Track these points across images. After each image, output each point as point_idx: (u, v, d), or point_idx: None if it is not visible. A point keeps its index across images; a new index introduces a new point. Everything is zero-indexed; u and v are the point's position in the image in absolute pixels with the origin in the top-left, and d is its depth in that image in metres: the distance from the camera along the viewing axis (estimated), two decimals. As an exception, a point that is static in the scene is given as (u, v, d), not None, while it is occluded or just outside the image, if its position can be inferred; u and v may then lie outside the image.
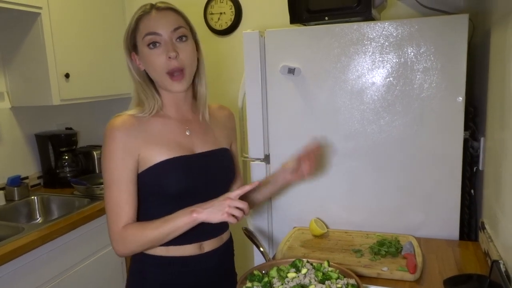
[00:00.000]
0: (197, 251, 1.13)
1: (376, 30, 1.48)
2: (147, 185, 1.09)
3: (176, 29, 1.07)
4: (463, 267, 1.29)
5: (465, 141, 1.48)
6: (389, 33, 1.46)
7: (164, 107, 1.15)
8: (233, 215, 0.98)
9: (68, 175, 2.37)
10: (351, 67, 1.52)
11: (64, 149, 2.38)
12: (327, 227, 1.62)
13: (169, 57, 1.05)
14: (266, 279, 1.05)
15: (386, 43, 1.47)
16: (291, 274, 1.07)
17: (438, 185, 1.49)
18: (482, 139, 1.47)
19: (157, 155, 1.07)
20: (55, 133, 2.38)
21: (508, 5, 1.18)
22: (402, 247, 1.38)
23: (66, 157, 2.39)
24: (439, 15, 1.68)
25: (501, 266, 1.08)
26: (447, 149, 1.46)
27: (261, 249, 1.32)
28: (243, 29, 2.01)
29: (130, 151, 1.06)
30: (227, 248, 1.23)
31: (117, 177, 1.06)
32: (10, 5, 1.87)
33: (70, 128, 2.54)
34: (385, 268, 1.26)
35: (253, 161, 1.72)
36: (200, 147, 1.15)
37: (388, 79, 1.49)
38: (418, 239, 1.48)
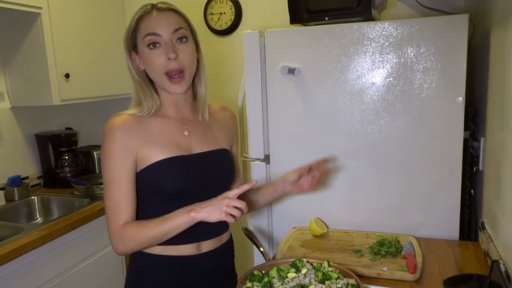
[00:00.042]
0: (195, 251, 1.13)
1: (376, 30, 1.48)
2: (146, 184, 1.09)
3: (176, 30, 1.07)
4: (463, 267, 1.29)
5: (465, 141, 1.48)
6: (389, 33, 1.46)
7: (163, 107, 1.16)
8: (231, 215, 0.98)
9: (68, 175, 2.38)
10: (351, 67, 1.52)
11: (64, 149, 2.38)
12: (327, 227, 1.62)
13: (169, 58, 1.05)
14: (266, 279, 1.05)
15: (386, 43, 1.47)
16: (291, 274, 1.07)
17: (438, 185, 1.49)
18: (482, 139, 1.47)
19: (155, 155, 1.08)
20: (55, 133, 2.38)
21: (508, 5, 1.18)
22: (402, 247, 1.38)
23: (66, 157, 2.39)
24: (439, 15, 1.68)
25: (501, 266, 1.08)
26: (447, 149, 1.46)
27: (261, 249, 1.32)
28: (243, 29, 2.01)
29: (129, 150, 1.07)
30: (227, 249, 1.23)
31: (116, 176, 1.07)
32: (10, 5, 1.87)
33: (70, 128, 2.54)
34: (385, 268, 1.26)
35: (253, 161, 1.72)
36: (199, 147, 1.15)
37: (388, 79, 1.49)
38: (418, 239, 1.48)
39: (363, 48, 1.50)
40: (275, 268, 1.11)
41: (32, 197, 2.17)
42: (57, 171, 2.36)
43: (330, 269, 1.10)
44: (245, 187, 1.02)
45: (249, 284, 1.05)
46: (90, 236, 1.95)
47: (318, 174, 1.25)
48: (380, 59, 1.48)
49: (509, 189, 1.13)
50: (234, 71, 2.46)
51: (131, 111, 1.13)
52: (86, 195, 2.15)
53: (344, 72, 1.53)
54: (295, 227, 1.66)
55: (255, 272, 1.09)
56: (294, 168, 1.29)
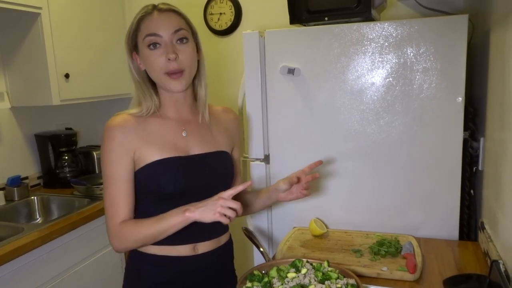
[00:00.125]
0: (191, 252, 1.14)
1: (375, 31, 1.48)
2: (142, 184, 1.10)
3: (176, 31, 1.08)
4: (463, 267, 1.29)
5: (465, 141, 1.48)
6: (388, 33, 1.46)
7: (163, 107, 1.16)
8: (226, 215, 0.99)
9: (68, 175, 2.38)
10: (350, 68, 1.52)
11: (64, 149, 2.38)
12: (327, 227, 1.62)
13: (169, 59, 1.06)
14: (266, 279, 1.05)
15: (386, 44, 1.47)
16: (291, 274, 1.07)
17: (438, 185, 1.49)
18: (481, 139, 1.47)
19: (151, 155, 1.09)
20: (55, 133, 2.38)
21: (508, 5, 1.18)
22: (401, 247, 1.38)
23: (66, 157, 2.39)
24: (439, 15, 1.69)
25: (501, 266, 1.08)
26: (447, 149, 1.46)
27: (261, 249, 1.32)
28: (243, 30, 2.01)
29: (127, 150, 1.08)
30: (226, 251, 1.23)
31: (114, 175, 1.08)
32: (10, 5, 1.88)
33: (70, 128, 2.54)
34: (384, 268, 1.26)
35: (253, 161, 1.72)
36: (197, 149, 1.15)
37: (387, 80, 1.49)
38: (418, 239, 1.49)
39: (363, 48, 1.50)
40: (275, 268, 1.11)
41: (32, 197, 2.17)
42: (57, 171, 2.36)
43: (330, 269, 1.10)
44: (240, 188, 1.02)
45: (249, 284, 1.05)
46: (90, 236, 1.95)
47: (310, 178, 1.24)
48: (380, 59, 1.49)
49: (509, 189, 1.13)
50: (234, 71, 2.46)
51: (131, 111, 1.14)
52: (86, 195, 2.15)
53: (343, 72, 1.53)
54: (295, 227, 1.66)
55: (255, 272, 1.09)
56: (294, 169, 1.29)
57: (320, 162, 1.28)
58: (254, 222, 1.76)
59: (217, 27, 2.47)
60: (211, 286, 1.18)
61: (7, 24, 2.09)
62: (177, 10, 1.11)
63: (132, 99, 2.70)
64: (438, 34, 1.41)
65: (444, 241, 1.48)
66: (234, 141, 1.28)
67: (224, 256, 1.23)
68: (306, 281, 1.04)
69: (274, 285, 1.04)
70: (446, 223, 1.50)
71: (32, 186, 2.33)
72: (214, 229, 1.16)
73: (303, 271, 1.09)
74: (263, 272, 1.12)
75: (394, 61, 1.47)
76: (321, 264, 1.12)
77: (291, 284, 1.03)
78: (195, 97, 1.20)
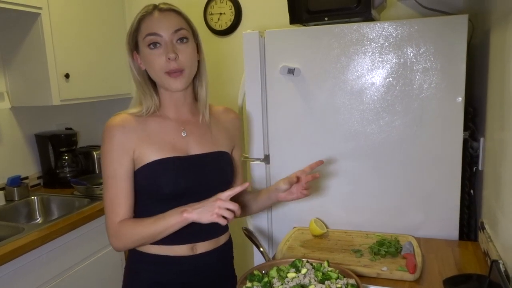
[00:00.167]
0: (189, 252, 1.14)
1: (375, 31, 1.48)
2: (141, 184, 1.11)
3: (177, 30, 1.08)
4: (463, 267, 1.29)
5: (465, 141, 1.48)
6: (388, 33, 1.47)
7: (163, 107, 1.16)
8: (223, 216, 0.99)
9: (68, 175, 2.38)
10: (350, 68, 1.52)
11: (64, 149, 2.38)
12: (327, 227, 1.62)
13: (168, 58, 1.06)
14: (266, 279, 1.05)
15: (386, 44, 1.47)
16: (291, 274, 1.07)
17: (437, 185, 1.49)
18: (481, 139, 1.47)
19: (150, 155, 1.09)
20: (55, 133, 2.38)
21: (507, 5, 1.18)
22: (401, 247, 1.38)
23: (66, 157, 2.39)
24: (439, 15, 1.69)
25: (501, 266, 1.08)
26: (447, 150, 1.46)
27: (261, 249, 1.32)
28: (243, 30, 2.01)
29: (126, 149, 1.09)
30: (225, 251, 1.23)
31: (114, 174, 1.08)
32: (10, 5, 1.88)
33: (70, 128, 2.54)
34: (384, 268, 1.26)
35: (253, 161, 1.72)
36: (196, 149, 1.15)
37: (387, 80, 1.49)
38: (418, 239, 1.49)
39: (363, 48, 1.50)
40: (275, 268, 1.11)
41: (32, 197, 2.17)
42: (57, 171, 2.36)
43: (330, 269, 1.10)
44: (238, 189, 1.02)
45: (249, 284, 1.05)
46: (90, 236, 1.95)
47: (310, 178, 1.23)
48: (380, 59, 1.49)
49: (509, 189, 1.13)
50: (234, 71, 2.46)
51: (131, 110, 1.14)
52: (86, 195, 2.15)
53: (343, 72, 1.53)
54: (295, 227, 1.66)
55: (255, 272, 1.09)
56: (294, 169, 1.29)
57: (321, 162, 1.27)
58: (254, 222, 1.76)
59: (217, 27, 2.47)
60: (211, 286, 1.18)
61: (7, 24, 2.09)
62: (177, 10, 1.12)
63: (132, 99, 2.73)
64: (438, 34, 1.41)
65: (444, 241, 1.48)
66: (235, 141, 1.28)
67: (224, 256, 1.23)
68: (306, 281, 1.04)
69: (274, 285, 1.04)
70: (446, 223, 1.50)
71: (32, 186, 2.33)
72: (213, 229, 1.16)
73: (303, 271, 1.09)
74: (263, 272, 1.12)
75: (394, 61, 1.47)
76: (321, 264, 1.12)
77: (291, 284, 1.03)
78: (195, 97, 1.20)
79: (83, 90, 2.29)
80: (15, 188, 2.11)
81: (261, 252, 1.31)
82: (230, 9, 2.42)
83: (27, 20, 2.04)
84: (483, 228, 1.38)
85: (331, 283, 1.02)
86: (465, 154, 1.50)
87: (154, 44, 1.07)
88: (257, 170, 1.71)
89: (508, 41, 1.16)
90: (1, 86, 2.16)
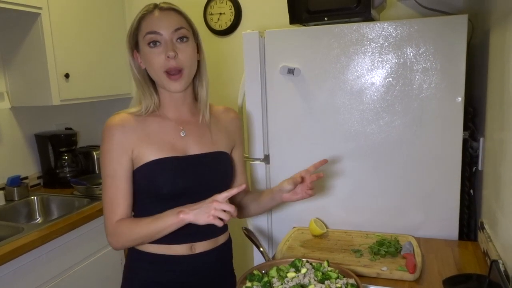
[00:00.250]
0: (188, 251, 1.14)
1: (375, 31, 1.48)
2: (140, 183, 1.11)
3: (177, 29, 1.08)
4: (463, 267, 1.29)
5: (465, 141, 1.48)
6: (388, 33, 1.47)
7: (162, 107, 1.16)
8: (220, 218, 0.98)
9: (68, 175, 2.38)
10: (350, 68, 1.52)
11: (64, 149, 2.38)
12: (327, 227, 1.62)
13: (168, 57, 1.06)
14: (265, 279, 1.06)
15: (386, 44, 1.47)
16: (291, 274, 1.07)
17: (437, 185, 1.49)
18: (481, 139, 1.47)
19: (148, 154, 1.09)
20: (55, 133, 2.38)
21: (507, 5, 1.18)
22: (401, 247, 1.38)
23: (66, 157, 2.39)
24: (439, 15, 1.69)
25: (500, 266, 1.08)
26: (447, 149, 1.46)
27: (261, 249, 1.32)
28: (243, 30, 2.01)
29: (125, 149, 1.09)
30: (223, 251, 1.23)
31: (113, 174, 1.09)
32: (10, 5, 1.88)
33: (70, 128, 2.55)
34: (384, 268, 1.26)
35: (253, 161, 1.72)
36: (195, 149, 1.15)
37: (387, 80, 1.49)
38: (418, 239, 1.49)
39: (363, 48, 1.50)
40: (274, 268, 1.11)
41: (32, 197, 2.17)
42: (57, 171, 2.36)
43: (329, 268, 1.10)
44: (234, 191, 1.02)
45: (248, 284, 1.05)
46: (90, 236, 1.95)
47: (314, 178, 1.22)
48: (380, 59, 1.49)
49: (509, 189, 1.13)
50: (234, 71, 2.46)
51: (130, 110, 1.15)
52: (86, 195, 2.15)
53: (343, 72, 1.53)
54: (294, 227, 1.66)
55: (255, 272, 1.09)
56: (294, 169, 1.29)
57: (325, 161, 1.25)
58: (254, 222, 1.76)
59: (217, 27, 2.47)
60: (210, 285, 1.18)
61: (7, 24, 2.09)
62: (178, 9, 1.12)
63: (132, 99, 2.73)
64: (438, 34, 1.41)
65: (444, 241, 1.48)
66: (235, 141, 1.28)
67: (223, 256, 1.23)
68: (306, 281, 1.04)
69: (274, 285, 1.04)
70: (446, 223, 1.50)
71: (32, 186, 2.33)
72: (212, 229, 1.16)
73: (303, 271, 1.09)
74: (263, 272, 1.12)
75: (394, 61, 1.47)
76: (321, 264, 1.12)
77: (291, 284, 1.03)
78: (195, 97, 1.20)
79: (83, 90, 2.29)
80: (15, 188, 2.11)
81: (261, 252, 1.31)
82: (230, 9, 2.42)
83: (27, 20, 2.04)
84: (483, 228, 1.38)
85: (331, 283, 1.02)
86: (465, 154, 1.50)
87: (154, 43, 1.07)
88: (257, 170, 1.71)
89: (508, 41, 1.16)
90: (1, 86, 2.16)
